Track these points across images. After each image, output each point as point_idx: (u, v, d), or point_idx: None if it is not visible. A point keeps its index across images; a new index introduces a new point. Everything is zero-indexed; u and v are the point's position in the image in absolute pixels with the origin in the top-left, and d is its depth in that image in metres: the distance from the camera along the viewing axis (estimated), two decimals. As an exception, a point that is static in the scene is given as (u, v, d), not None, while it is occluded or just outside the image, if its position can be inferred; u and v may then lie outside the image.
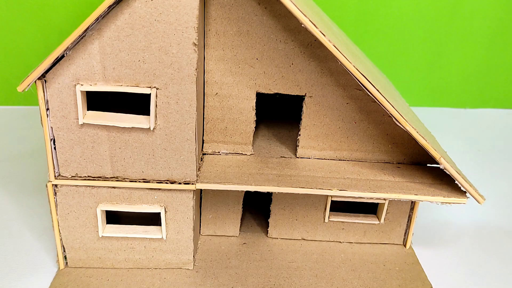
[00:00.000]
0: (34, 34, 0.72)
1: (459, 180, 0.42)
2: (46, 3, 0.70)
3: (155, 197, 0.43)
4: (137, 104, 0.44)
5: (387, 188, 0.43)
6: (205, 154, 0.45)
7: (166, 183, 0.42)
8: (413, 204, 0.48)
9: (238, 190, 0.46)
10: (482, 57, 0.78)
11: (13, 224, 0.52)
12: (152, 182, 0.42)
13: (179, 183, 0.42)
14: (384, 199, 0.46)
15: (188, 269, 0.46)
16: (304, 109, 0.44)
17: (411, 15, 0.77)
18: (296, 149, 0.46)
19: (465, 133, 0.65)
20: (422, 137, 0.40)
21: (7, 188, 0.58)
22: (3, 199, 0.56)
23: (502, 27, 0.78)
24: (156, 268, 0.46)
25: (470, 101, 0.82)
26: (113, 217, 0.46)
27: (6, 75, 0.75)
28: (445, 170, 0.42)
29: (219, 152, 0.45)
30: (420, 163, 0.46)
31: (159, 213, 0.43)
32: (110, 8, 0.35)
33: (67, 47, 0.36)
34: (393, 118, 0.40)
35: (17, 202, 0.55)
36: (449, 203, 0.43)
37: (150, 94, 0.38)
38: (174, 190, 0.42)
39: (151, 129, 0.39)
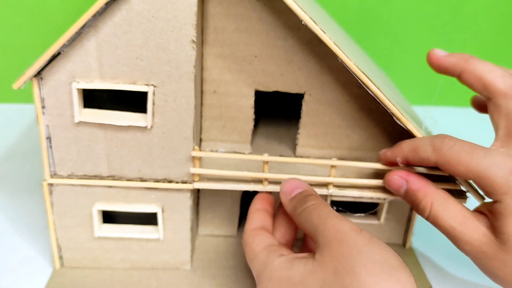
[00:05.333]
0: (30, 31, 0.71)
1: (460, 179, 0.41)
2: (44, 1, 0.69)
3: (152, 196, 0.42)
4: (135, 101, 0.43)
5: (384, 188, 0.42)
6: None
7: (164, 182, 0.41)
8: (413, 203, 0.48)
9: (236, 190, 0.45)
10: (485, 55, 0.78)
11: (7, 223, 0.51)
12: (149, 181, 0.41)
13: (177, 182, 0.41)
14: (384, 199, 0.45)
15: (185, 269, 0.45)
16: (303, 107, 0.43)
17: (414, 12, 0.76)
18: (295, 148, 0.45)
19: (467, 132, 0.64)
20: (423, 136, 0.40)
21: (1, 186, 0.57)
22: (-2, 199, 0.55)
23: (506, 25, 0.77)
24: (153, 268, 0.45)
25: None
26: (109, 217, 0.45)
27: (1, 72, 0.74)
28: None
29: (217, 150, 0.45)
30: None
31: (156, 213, 0.43)
32: (108, 4, 0.35)
33: (64, 44, 0.35)
34: (394, 117, 0.39)
35: (11, 201, 0.55)
36: (450, 202, 0.42)
37: (147, 92, 0.38)
38: (172, 189, 0.42)
39: (148, 127, 0.39)
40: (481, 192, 0.42)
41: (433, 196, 0.38)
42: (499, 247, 0.35)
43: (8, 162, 0.62)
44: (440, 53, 0.40)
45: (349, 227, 0.33)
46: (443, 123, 0.57)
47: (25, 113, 0.73)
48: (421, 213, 0.39)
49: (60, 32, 0.36)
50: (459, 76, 0.39)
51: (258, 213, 0.41)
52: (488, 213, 0.37)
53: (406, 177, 0.39)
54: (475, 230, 0.36)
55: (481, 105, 0.45)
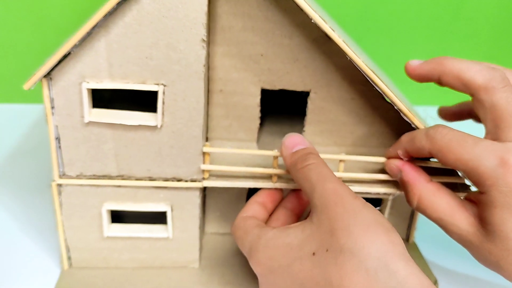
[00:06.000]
0: (31, 31, 0.71)
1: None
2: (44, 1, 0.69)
3: (161, 195, 0.42)
4: (138, 100, 0.43)
5: (394, 183, 0.43)
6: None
7: (173, 181, 0.42)
8: (416, 198, 0.48)
9: (242, 187, 0.45)
10: (485, 55, 0.78)
11: (14, 223, 0.51)
12: (158, 180, 0.41)
13: (186, 181, 0.42)
14: (391, 194, 0.46)
15: (194, 267, 0.46)
16: (309, 105, 0.44)
17: (414, 13, 0.77)
18: (300, 145, 0.46)
19: (467, 132, 0.64)
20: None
21: (7, 186, 0.57)
22: (1, 199, 0.55)
23: (506, 26, 0.78)
24: (161, 267, 0.45)
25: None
26: (114, 217, 0.45)
27: (2, 72, 0.73)
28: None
29: (223, 149, 0.45)
30: (422, 158, 0.46)
31: (164, 211, 0.43)
32: (119, 4, 0.35)
33: (74, 45, 0.36)
34: (401, 113, 0.40)
35: (17, 202, 0.55)
36: (455, 196, 0.43)
37: (157, 91, 0.38)
38: (181, 188, 0.42)
39: (158, 126, 0.39)
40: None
41: (421, 189, 0.39)
42: (485, 237, 0.36)
43: (13, 162, 0.62)
44: (415, 63, 0.41)
45: (346, 191, 0.34)
46: (443, 123, 0.58)
47: (25, 113, 0.72)
48: (410, 204, 0.40)
49: (60, 32, 0.36)
50: (439, 80, 0.40)
51: (255, 205, 0.41)
52: (477, 201, 0.37)
53: (401, 166, 0.40)
54: (463, 221, 0.37)
55: (448, 114, 0.46)
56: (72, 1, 0.69)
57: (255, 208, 0.41)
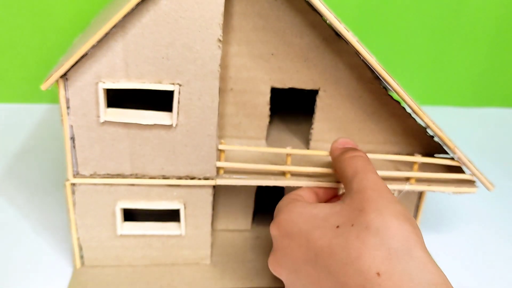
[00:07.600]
0: (32, 31, 0.70)
1: (471, 167, 0.43)
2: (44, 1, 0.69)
3: (174, 193, 0.43)
4: (143, 99, 0.44)
5: (400, 179, 0.44)
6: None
7: (186, 179, 0.42)
8: (420, 193, 0.50)
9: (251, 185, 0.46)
10: (486, 55, 0.79)
11: (24, 223, 0.51)
12: (172, 179, 0.42)
13: (199, 179, 0.42)
14: (400, 191, 0.47)
15: (205, 264, 0.46)
16: (317, 103, 0.45)
17: (415, 12, 0.77)
18: (308, 142, 0.47)
19: (468, 131, 0.65)
20: (439, 128, 0.42)
21: (16, 187, 0.57)
22: (12, 199, 0.55)
23: (507, 25, 0.79)
24: (173, 264, 0.46)
25: (474, 100, 0.83)
26: (125, 215, 0.46)
27: (5, 72, 0.73)
28: (458, 159, 0.43)
29: (233, 147, 0.46)
30: (427, 154, 0.47)
31: (177, 209, 0.43)
32: (137, 5, 0.35)
33: (93, 45, 0.36)
34: (411, 110, 0.41)
35: (27, 201, 0.55)
36: (461, 192, 0.44)
37: (173, 90, 0.38)
38: (194, 186, 0.42)
39: (174, 125, 0.39)
40: (489, 181, 0.44)
41: None
42: None
43: (20, 162, 0.61)
44: None
45: (385, 185, 0.35)
46: (443, 123, 0.60)
47: (26, 113, 0.72)
48: None
49: (60, 32, 0.35)
50: None
51: (306, 189, 0.42)
52: None
53: None
54: None
55: None
56: (72, 1, 0.69)
57: (304, 191, 0.41)
